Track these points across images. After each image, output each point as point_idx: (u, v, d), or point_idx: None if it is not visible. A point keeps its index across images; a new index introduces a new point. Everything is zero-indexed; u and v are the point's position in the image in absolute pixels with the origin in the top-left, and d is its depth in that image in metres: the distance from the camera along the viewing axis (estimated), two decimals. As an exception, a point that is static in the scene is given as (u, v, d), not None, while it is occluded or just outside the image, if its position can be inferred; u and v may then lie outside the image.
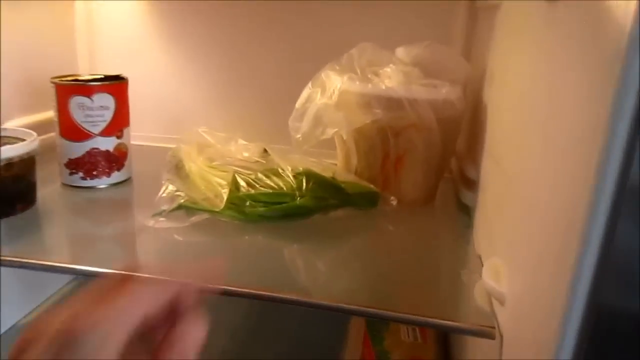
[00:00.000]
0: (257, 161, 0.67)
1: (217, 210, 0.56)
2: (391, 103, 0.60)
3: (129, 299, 0.29)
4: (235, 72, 0.86)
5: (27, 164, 0.58)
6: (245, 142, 0.71)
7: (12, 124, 0.73)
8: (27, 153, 0.58)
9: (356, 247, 0.59)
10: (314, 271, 0.54)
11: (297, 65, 0.83)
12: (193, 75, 0.88)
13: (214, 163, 0.66)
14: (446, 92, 0.61)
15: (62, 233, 0.59)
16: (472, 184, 0.65)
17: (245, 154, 0.69)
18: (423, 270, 0.53)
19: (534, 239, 0.36)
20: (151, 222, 0.56)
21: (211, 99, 0.88)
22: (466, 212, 0.66)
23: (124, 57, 0.89)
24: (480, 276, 0.49)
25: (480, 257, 0.54)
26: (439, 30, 0.80)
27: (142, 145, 0.84)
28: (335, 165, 0.70)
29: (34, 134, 0.60)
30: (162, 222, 0.57)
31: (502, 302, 0.42)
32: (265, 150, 0.69)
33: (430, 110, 0.60)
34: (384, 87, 0.60)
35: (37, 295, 0.86)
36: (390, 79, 0.62)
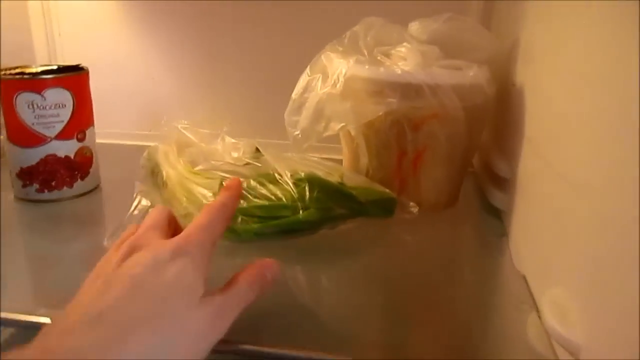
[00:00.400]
0: (249, 163, 0.56)
1: (202, 230, 0.46)
2: (409, 90, 0.49)
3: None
4: (218, 56, 0.74)
5: None
6: (233, 140, 0.61)
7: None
8: None
9: (371, 268, 0.48)
10: (320, 301, 0.44)
11: (291, 47, 0.72)
12: (169, 61, 0.76)
13: (197, 168, 0.55)
14: (473, 74, 0.50)
15: (12, 263, 0.48)
16: (502, 183, 0.55)
17: (234, 154, 0.59)
18: (455, 295, 0.44)
19: (627, 273, 0.26)
20: (121, 248, 0.46)
21: (191, 88, 0.76)
22: (495, 214, 0.56)
23: (87, 44, 0.77)
24: (532, 308, 0.40)
25: (525, 279, 0.44)
26: (450, 4, 0.69)
27: (111, 144, 0.73)
28: (340, 164, 0.59)
29: None
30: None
31: (575, 355, 0.32)
32: (258, 150, 0.58)
33: (455, 97, 0.49)
34: (399, 72, 0.49)
35: None
36: (406, 61, 0.51)
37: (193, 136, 0.63)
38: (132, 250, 0.32)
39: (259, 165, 0.55)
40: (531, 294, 0.42)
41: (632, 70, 0.27)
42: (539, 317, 0.38)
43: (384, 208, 0.51)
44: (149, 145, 0.64)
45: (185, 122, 0.66)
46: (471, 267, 0.49)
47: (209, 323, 0.31)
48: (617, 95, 0.29)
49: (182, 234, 0.34)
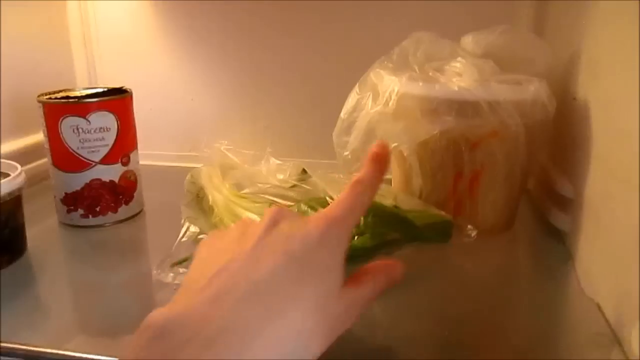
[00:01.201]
0: (295, 185, 0.54)
1: (253, 258, 0.44)
2: (466, 107, 0.47)
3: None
4: (259, 76, 0.73)
5: (11, 206, 0.47)
6: (278, 161, 0.59)
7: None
8: (10, 193, 0.46)
9: (429, 296, 0.46)
10: (375, 330, 0.41)
11: (335, 64, 0.70)
12: (209, 81, 0.75)
13: (243, 191, 0.53)
14: (534, 89, 0.48)
15: (60, 294, 0.47)
16: (565, 203, 0.51)
17: (280, 176, 0.57)
18: (519, 327, 0.41)
19: None
20: (170, 277, 0.44)
21: (231, 108, 0.75)
22: (556, 237, 0.53)
23: (127, 66, 0.76)
24: (613, 341, 0.37)
25: (600, 307, 0.41)
26: (500, 13, 0.67)
27: (153, 166, 0.72)
28: (389, 185, 0.57)
29: (18, 166, 0.48)
30: (184, 275, 0.44)
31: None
32: (305, 171, 0.57)
33: (516, 114, 0.47)
34: (456, 88, 0.47)
35: None
36: (462, 77, 0.49)
37: (236, 158, 0.62)
38: (276, 223, 0.31)
39: (308, 187, 0.53)
40: (609, 325, 0.39)
41: None
42: (624, 351, 0.35)
43: (440, 232, 0.48)
44: (192, 167, 0.63)
45: (227, 143, 0.65)
46: (536, 295, 0.46)
47: (343, 313, 0.30)
48: None
49: (328, 214, 0.31)
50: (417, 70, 0.51)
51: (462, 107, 0.47)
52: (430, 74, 0.51)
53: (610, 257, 0.41)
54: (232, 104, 0.74)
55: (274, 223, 0.31)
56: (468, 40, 0.52)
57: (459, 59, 0.50)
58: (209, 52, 0.74)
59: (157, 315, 0.26)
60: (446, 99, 0.47)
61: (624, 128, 0.39)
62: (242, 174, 0.59)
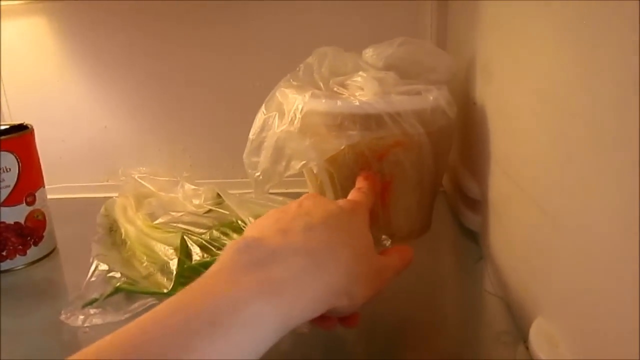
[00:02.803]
0: (211, 210, 0.54)
1: (166, 291, 0.43)
2: (369, 121, 0.48)
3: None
4: (173, 97, 0.72)
5: None
6: (193, 187, 0.58)
7: None
8: None
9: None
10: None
11: (248, 83, 0.69)
12: (122, 107, 0.73)
13: (156, 221, 0.52)
14: (434, 98, 0.49)
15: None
16: (474, 204, 0.53)
17: (196, 202, 0.56)
18: (434, 328, 0.42)
19: (613, 308, 0.25)
20: (79, 319, 0.42)
21: (146, 134, 0.73)
22: (471, 237, 0.54)
23: (34, 99, 0.73)
24: (518, 339, 0.38)
25: (508, 305, 0.42)
26: (404, 25, 0.68)
27: (70, 199, 0.70)
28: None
29: None
30: (94, 317, 0.43)
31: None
32: (218, 195, 0.56)
33: (417, 123, 0.48)
34: (357, 103, 0.48)
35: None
36: (363, 91, 0.49)
37: (151, 185, 0.61)
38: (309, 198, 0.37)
39: (223, 211, 0.53)
40: (515, 323, 0.40)
41: (599, 89, 0.25)
42: (527, 348, 0.36)
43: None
44: (107, 197, 0.61)
45: (144, 169, 0.64)
46: (446, 295, 0.48)
47: (380, 271, 0.35)
48: (581, 115, 0.28)
49: (348, 199, 0.40)
50: (322, 86, 0.52)
51: (365, 120, 0.48)
52: (335, 89, 0.51)
53: (511, 255, 0.42)
54: (147, 128, 0.73)
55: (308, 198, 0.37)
56: (369, 54, 0.53)
57: (361, 72, 0.51)
58: (119, 76, 0.72)
59: (238, 239, 0.31)
60: (349, 113, 0.48)
61: (515, 130, 0.41)
62: (158, 202, 0.58)
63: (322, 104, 0.49)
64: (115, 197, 0.58)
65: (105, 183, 0.74)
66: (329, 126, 0.49)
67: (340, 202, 0.37)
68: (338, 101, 0.48)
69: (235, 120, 0.71)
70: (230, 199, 0.52)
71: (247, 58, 0.69)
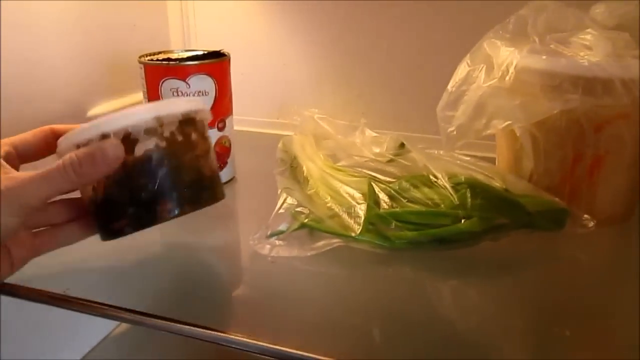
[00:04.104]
0: (393, 160, 0.52)
1: (354, 235, 0.42)
2: (595, 85, 0.42)
3: None
4: (356, 42, 0.69)
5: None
6: (374, 133, 0.56)
7: (96, 111, 0.63)
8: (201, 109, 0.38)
9: (538, 287, 0.42)
10: (470, 318, 0.38)
11: (442, 32, 0.65)
12: (302, 47, 0.72)
13: (339, 163, 0.51)
14: (677, 68, 0.42)
15: (156, 255, 0.47)
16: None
17: (376, 150, 0.55)
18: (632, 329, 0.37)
19: None
20: (266, 248, 0.43)
21: (324, 75, 0.72)
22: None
23: (221, 28, 0.75)
24: None
25: None
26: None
27: (242, 132, 0.71)
28: (493, 165, 0.53)
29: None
30: (280, 248, 0.43)
31: None
32: (403, 145, 0.54)
33: (652, 95, 0.42)
34: (585, 63, 0.42)
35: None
36: (592, 51, 0.44)
37: (329, 127, 0.60)
38: None
39: (406, 163, 0.50)
40: None
41: None
42: None
43: (554, 220, 0.45)
44: (280, 135, 0.62)
45: (316, 111, 0.63)
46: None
47: None
48: None
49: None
50: (537, 41, 0.47)
51: (590, 84, 0.42)
52: (553, 46, 0.46)
53: None
54: (324, 70, 0.72)
55: None
56: (599, 10, 0.47)
57: (589, 30, 0.45)
58: (304, 15, 0.71)
59: None
60: (573, 74, 0.43)
61: None
62: (336, 144, 0.57)
63: (541, 61, 0.44)
64: (293, 134, 0.58)
65: (277, 120, 0.74)
66: (544, 86, 0.44)
67: None
68: (562, 59, 0.43)
69: (418, 72, 0.67)
70: (418, 152, 0.49)
71: (444, 7, 0.65)
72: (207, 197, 0.37)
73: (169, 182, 0.35)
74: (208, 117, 0.38)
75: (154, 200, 0.35)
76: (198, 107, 0.37)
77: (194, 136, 0.36)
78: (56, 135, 0.37)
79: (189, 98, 0.37)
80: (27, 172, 0.33)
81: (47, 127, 0.38)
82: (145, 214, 0.35)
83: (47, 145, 0.38)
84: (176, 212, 0.35)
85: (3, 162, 0.34)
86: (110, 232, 0.36)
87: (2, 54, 0.51)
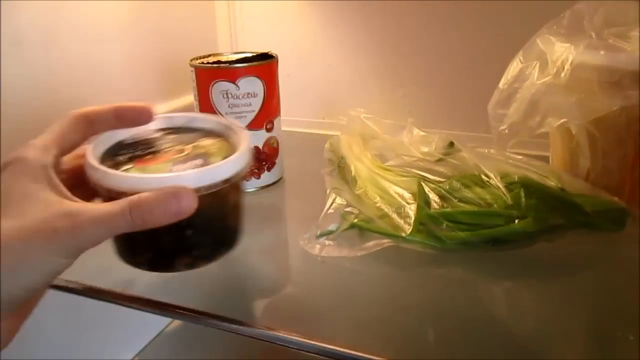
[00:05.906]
0: (442, 159, 0.51)
1: (404, 235, 0.42)
2: (656, 81, 0.41)
3: None
4: (401, 41, 0.69)
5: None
6: (422, 132, 0.56)
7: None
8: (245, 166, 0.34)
9: (595, 291, 0.41)
10: (538, 324, 0.37)
11: (491, 29, 0.64)
12: (348, 47, 0.72)
13: (387, 163, 0.51)
14: None
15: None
16: None
17: (425, 149, 0.54)
18: None
19: None
20: (316, 248, 0.43)
21: (369, 75, 0.72)
22: None
23: (267, 30, 0.76)
24: None
25: None
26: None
27: (289, 132, 0.72)
28: (546, 163, 0.52)
29: (241, 125, 0.39)
30: (330, 248, 0.43)
31: None
32: (452, 144, 0.53)
33: None
34: (647, 58, 0.41)
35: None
36: (653, 45, 0.42)
37: (376, 127, 0.60)
38: None
39: (456, 162, 0.50)
40: None
41: None
42: None
43: (613, 220, 0.43)
44: (327, 135, 0.62)
45: (362, 110, 0.63)
46: None
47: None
48: None
49: None
50: (594, 37, 0.45)
51: (651, 80, 0.41)
52: (611, 41, 0.44)
53: None
54: (370, 70, 0.72)
55: None
56: (660, 2, 0.45)
57: (650, 24, 0.43)
58: (349, 15, 0.71)
59: None
60: (633, 70, 0.41)
61: None
62: (384, 144, 0.57)
63: (599, 57, 0.43)
64: (340, 134, 0.58)
65: (323, 120, 0.75)
66: (602, 83, 0.43)
67: None
68: (622, 55, 0.42)
69: (465, 69, 0.66)
70: (468, 151, 0.48)
71: (492, 2, 0.63)
72: (223, 251, 0.36)
73: (193, 241, 0.34)
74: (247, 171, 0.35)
75: (174, 253, 0.34)
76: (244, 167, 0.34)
77: (233, 195, 0.35)
78: (88, 120, 0.33)
79: (234, 157, 0.32)
80: (84, 206, 0.29)
81: (79, 115, 0.33)
82: (162, 261, 0.34)
83: (84, 137, 0.34)
84: (191, 267, 0.35)
85: (58, 183, 0.30)
86: (123, 259, 0.35)
87: (65, 58, 0.53)
